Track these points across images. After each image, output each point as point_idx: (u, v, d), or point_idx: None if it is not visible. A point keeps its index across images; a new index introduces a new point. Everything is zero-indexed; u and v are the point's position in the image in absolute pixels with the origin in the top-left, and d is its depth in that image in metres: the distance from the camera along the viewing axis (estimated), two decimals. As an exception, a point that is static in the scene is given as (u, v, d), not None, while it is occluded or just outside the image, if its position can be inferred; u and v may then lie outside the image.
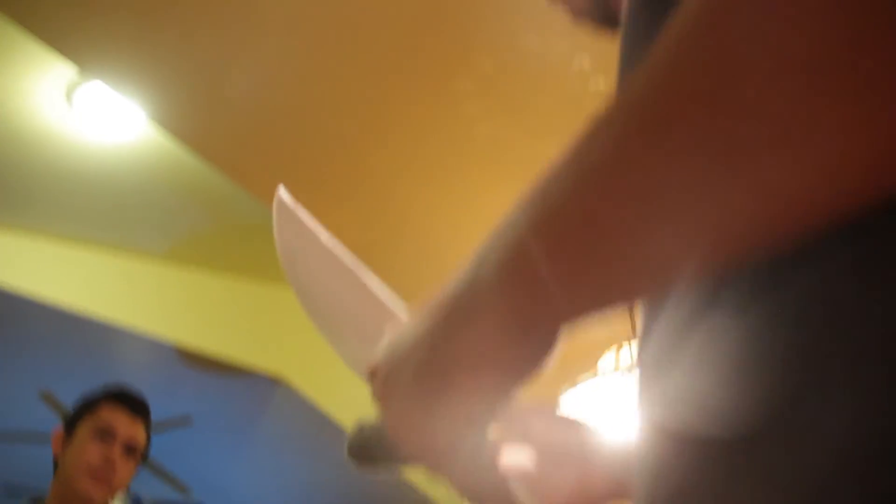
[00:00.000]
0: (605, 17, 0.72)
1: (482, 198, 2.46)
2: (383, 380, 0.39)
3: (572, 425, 0.53)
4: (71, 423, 1.49)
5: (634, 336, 0.76)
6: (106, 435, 1.44)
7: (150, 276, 3.52)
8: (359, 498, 4.34)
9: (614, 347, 1.89)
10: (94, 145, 2.70)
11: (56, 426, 1.55)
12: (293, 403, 3.75)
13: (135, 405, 1.51)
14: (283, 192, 0.60)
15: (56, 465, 1.46)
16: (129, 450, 1.46)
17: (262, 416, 4.00)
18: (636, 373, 0.37)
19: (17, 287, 3.16)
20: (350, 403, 3.30)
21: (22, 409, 3.81)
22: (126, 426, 1.47)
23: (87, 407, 1.49)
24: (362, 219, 2.55)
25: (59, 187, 2.94)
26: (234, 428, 4.12)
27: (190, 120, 2.14)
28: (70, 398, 3.09)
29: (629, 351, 1.80)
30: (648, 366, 0.35)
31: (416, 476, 3.97)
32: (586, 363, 1.78)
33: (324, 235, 0.55)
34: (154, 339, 3.45)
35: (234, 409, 3.96)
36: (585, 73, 1.81)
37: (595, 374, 1.81)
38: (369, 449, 0.47)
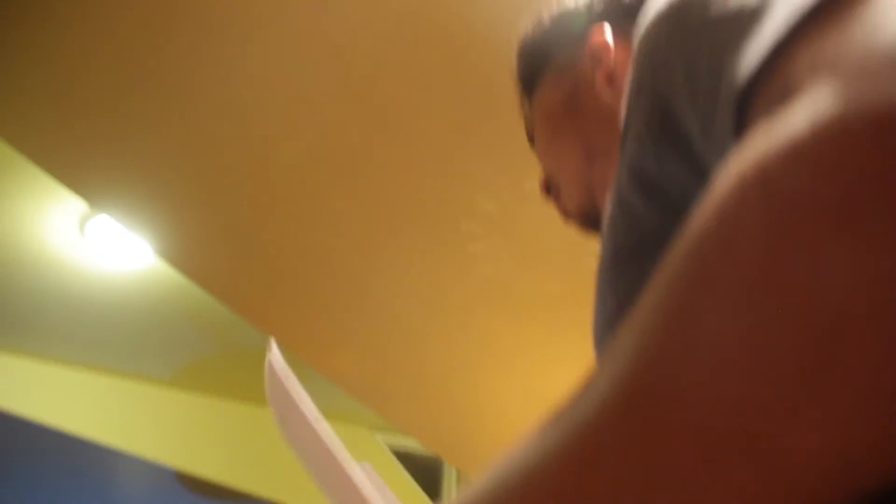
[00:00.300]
0: (591, 222, 0.78)
1: (488, 335, 2.46)
2: None
3: None
4: None
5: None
6: None
7: (153, 401, 3.51)
8: None
9: None
10: (104, 274, 2.74)
11: None
12: None
13: None
14: (274, 353, 0.61)
15: None
16: None
17: None
18: None
19: (22, 411, 3.17)
20: None
21: None
22: None
23: None
24: (367, 354, 2.54)
25: (67, 314, 2.97)
26: None
27: (194, 254, 2.16)
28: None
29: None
30: None
31: None
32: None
33: (308, 407, 0.57)
34: (155, 463, 3.41)
35: None
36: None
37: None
38: None
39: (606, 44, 0.75)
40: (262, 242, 2.12)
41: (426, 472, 4.07)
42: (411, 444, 4.04)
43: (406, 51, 1.63)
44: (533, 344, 2.43)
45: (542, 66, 0.84)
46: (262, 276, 2.23)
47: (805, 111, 0.25)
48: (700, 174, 0.40)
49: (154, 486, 3.58)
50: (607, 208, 0.52)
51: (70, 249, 2.63)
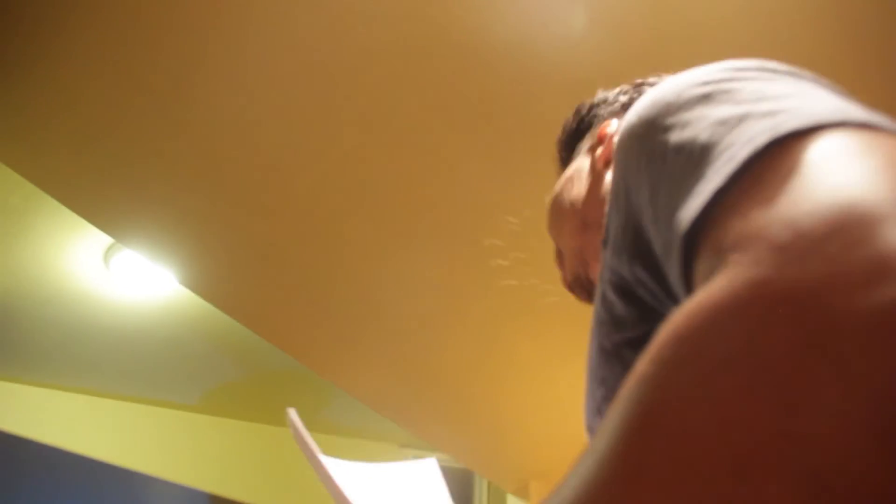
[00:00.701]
0: (583, 290, 0.86)
1: (512, 349, 2.45)
2: None
3: None
4: None
5: None
6: None
7: (182, 426, 3.54)
8: None
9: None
10: (129, 304, 2.76)
11: None
12: None
13: None
14: (293, 416, 0.86)
15: None
16: None
17: None
18: None
19: (56, 441, 3.21)
20: None
21: None
22: None
23: None
24: (393, 372, 2.54)
25: (94, 346, 3.00)
26: None
27: (217, 281, 2.18)
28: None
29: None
30: None
31: None
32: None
33: (322, 458, 0.79)
34: (188, 487, 3.47)
35: None
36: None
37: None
38: None
39: (609, 135, 0.83)
40: (284, 266, 2.13)
41: (458, 485, 4.08)
42: (441, 458, 4.04)
43: (424, 68, 1.64)
44: (556, 357, 2.42)
45: (570, 154, 0.93)
46: (285, 300, 2.24)
47: (715, 285, 0.30)
48: (667, 288, 0.43)
49: (185, 499, 3.61)
50: (595, 303, 0.54)
51: (95, 282, 2.66)
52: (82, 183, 1.87)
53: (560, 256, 0.91)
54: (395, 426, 2.90)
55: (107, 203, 1.93)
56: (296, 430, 0.82)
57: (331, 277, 2.17)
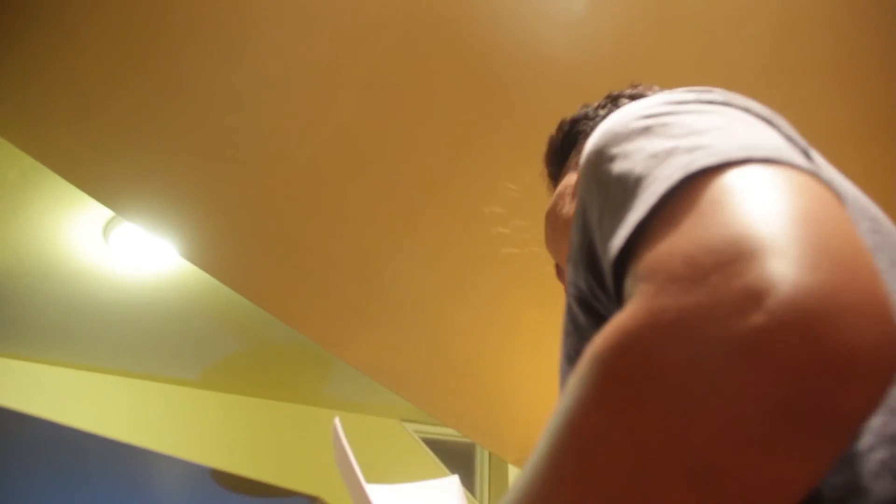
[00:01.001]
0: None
1: (514, 318, 2.45)
2: None
3: None
4: None
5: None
6: None
7: (185, 401, 3.54)
8: None
9: None
10: (130, 278, 2.76)
11: None
12: None
13: None
14: (338, 426, 0.91)
15: None
16: None
17: None
18: None
19: (57, 417, 3.21)
20: None
21: None
22: None
23: None
24: (395, 343, 2.55)
25: (95, 321, 2.99)
26: None
27: (217, 253, 2.17)
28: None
29: None
30: None
31: None
32: None
33: (355, 466, 0.84)
34: (190, 463, 3.45)
35: None
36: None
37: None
38: None
39: None
40: (285, 238, 2.12)
41: (459, 459, 4.09)
42: (442, 432, 4.06)
43: (423, 38, 1.63)
44: (558, 325, 2.42)
45: (558, 169, 0.98)
46: (286, 272, 2.24)
47: (624, 312, 0.35)
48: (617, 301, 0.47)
49: (190, 484, 3.62)
50: (564, 316, 0.59)
51: (95, 257, 2.65)
52: (81, 156, 1.86)
53: (559, 271, 0.94)
54: (397, 400, 2.91)
55: (106, 176, 1.92)
56: (338, 440, 0.84)
57: (333, 248, 2.17)
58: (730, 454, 0.29)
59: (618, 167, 0.46)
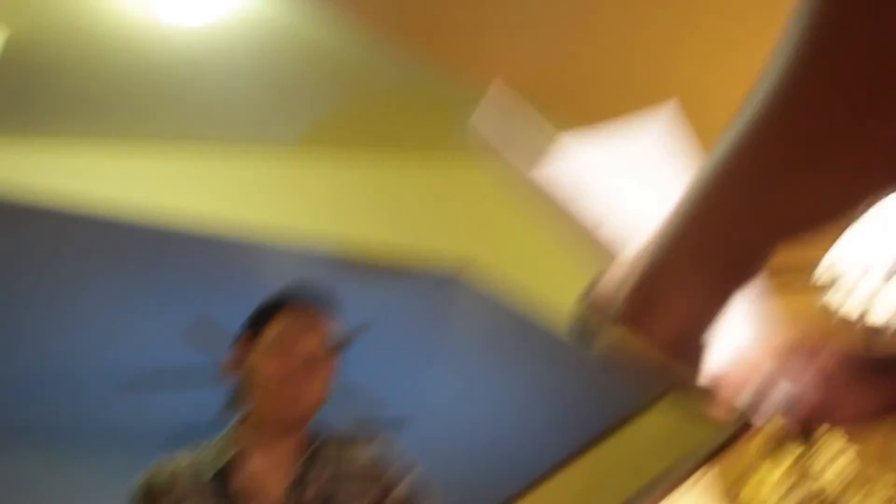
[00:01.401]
0: None
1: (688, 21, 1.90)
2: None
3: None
4: (245, 341, 1.33)
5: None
6: (288, 344, 1.28)
7: (283, 168, 2.97)
8: (562, 395, 3.85)
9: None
10: (194, 29, 2.19)
11: (227, 352, 1.36)
12: (478, 295, 3.27)
13: (314, 304, 1.34)
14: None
15: (236, 394, 1.32)
16: (318, 355, 1.30)
17: (444, 314, 3.53)
18: None
19: (145, 209, 2.73)
20: (545, 287, 2.76)
21: (173, 349, 3.58)
22: (309, 330, 1.31)
23: (259, 320, 1.33)
24: (543, 51, 2.03)
25: (165, 84, 2.45)
26: (416, 331, 3.69)
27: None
28: (229, 325, 2.69)
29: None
30: None
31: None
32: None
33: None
34: (309, 245, 3.03)
35: (413, 309, 3.52)
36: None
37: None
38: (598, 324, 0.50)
39: None
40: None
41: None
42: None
43: None
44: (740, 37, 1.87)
45: None
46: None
47: None
48: None
49: (313, 271, 3.11)
50: None
51: (151, 6, 2.09)
52: None
53: None
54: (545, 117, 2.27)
55: None
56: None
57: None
58: None
59: None
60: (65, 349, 3.63)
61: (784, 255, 0.42)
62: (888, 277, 1.57)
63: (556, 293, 3.17)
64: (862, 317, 1.53)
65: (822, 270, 1.70)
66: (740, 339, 0.53)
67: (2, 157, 2.59)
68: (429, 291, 3.32)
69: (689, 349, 0.48)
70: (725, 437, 1.97)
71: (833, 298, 1.61)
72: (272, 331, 1.30)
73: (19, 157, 2.62)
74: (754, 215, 0.40)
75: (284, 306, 1.34)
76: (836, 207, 0.39)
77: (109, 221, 2.69)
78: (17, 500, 4.31)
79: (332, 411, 1.32)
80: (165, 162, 2.79)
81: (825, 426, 0.54)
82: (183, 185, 2.82)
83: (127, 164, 2.75)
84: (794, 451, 1.77)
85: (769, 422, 0.51)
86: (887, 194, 0.37)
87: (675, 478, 1.87)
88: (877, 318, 1.52)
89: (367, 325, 3.18)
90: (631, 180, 0.64)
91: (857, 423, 0.54)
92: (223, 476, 1.21)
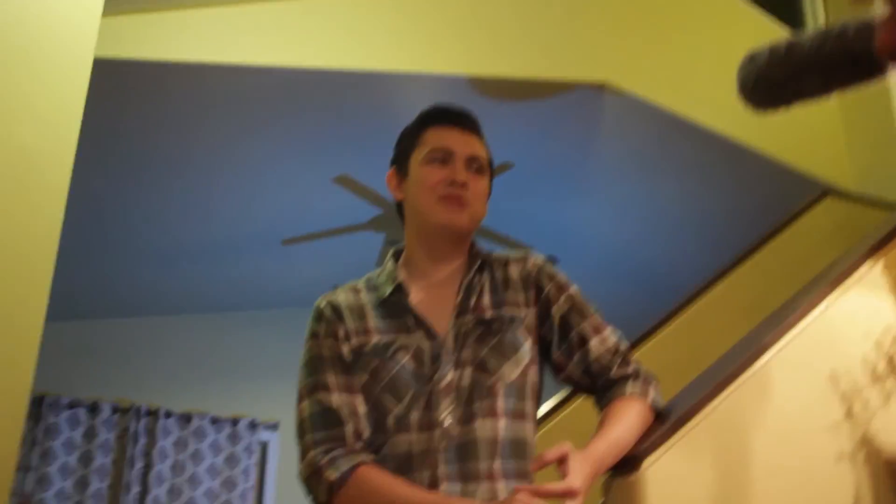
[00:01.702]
0: None
1: None
2: None
3: None
4: (401, 161, 1.35)
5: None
6: (443, 156, 1.29)
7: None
8: (714, 209, 3.59)
9: None
10: None
11: (389, 170, 1.39)
12: (627, 108, 3.05)
13: (462, 121, 1.33)
14: None
15: (400, 210, 1.36)
16: (474, 166, 1.30)
17: (589, 136, 3.29)
18: None
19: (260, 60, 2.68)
20: (689, 102, 2.50)
21: (318, 199, 3.57)
22: (461, 143, 1.30)
23: (412, 140, 1.34)
24: None
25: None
26: (560, 160, 3.49)
27: None
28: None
29: None
30: None
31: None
32: None
33: None
34: (440, 76, 2.90)
35: (556, 133, 3.29)
36: None
37: None
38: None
39: None
40: None
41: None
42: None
43: None
44: None
45: None
46: None
47: None
48: None
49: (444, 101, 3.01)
50: None
51: None
52: None
53: None
54: None
55: None
56: None
57: None
58: None
59: None
60: (217, 215, 3.71)
61: None
62: None
63: (699, 108, 3.03)
64: None
65: None
66: None
67: (138, 21, 2.57)
68: (572, 112, 3.12)
69: None
70: (889, 229, 1.77)
71: None
72: (428, 144, 1.30)
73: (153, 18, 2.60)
74: None
75: (432, 123, 1.33)
76: None
77: (245, 70, 2.68)
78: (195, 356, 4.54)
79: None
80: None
81: None
82: (311, 24, 2.75)
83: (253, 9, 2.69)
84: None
85: None
86: None
87: (841, 272, 1.69)
88: None
89: (507, 165, 3.09)
90: None
91: None
92: (400, 291, 1.25)
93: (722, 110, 2.96)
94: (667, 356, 2.51)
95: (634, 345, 2.50)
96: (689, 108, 3.02)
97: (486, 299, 1.26)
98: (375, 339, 1.20)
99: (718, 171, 3.34)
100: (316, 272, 4.03)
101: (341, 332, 1.22)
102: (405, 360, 1.18)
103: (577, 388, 1.30)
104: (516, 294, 1.27)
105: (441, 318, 1.23)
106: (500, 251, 1.36)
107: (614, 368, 1.24)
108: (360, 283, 1.30)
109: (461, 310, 1.24)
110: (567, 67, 3.00)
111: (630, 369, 1.24)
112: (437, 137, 1.30)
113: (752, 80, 1.19)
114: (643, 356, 2.11)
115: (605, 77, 2.96)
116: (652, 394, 1.23)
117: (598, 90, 2.99)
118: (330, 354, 1.21)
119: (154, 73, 2.65)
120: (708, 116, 3.02)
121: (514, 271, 1.29)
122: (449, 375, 1.17)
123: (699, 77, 3.11)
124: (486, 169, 1.32)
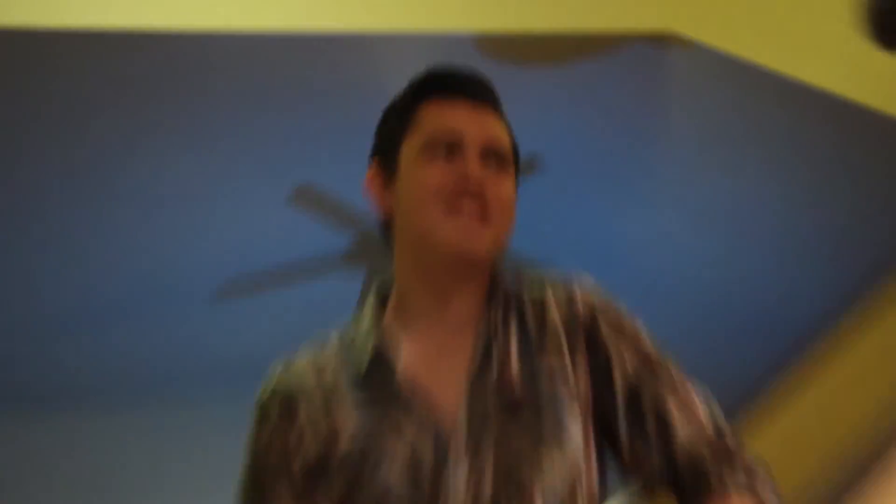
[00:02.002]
0: None
1: None
2: None
3: None
4: (385, 152, 1.03)
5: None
6: (448, 144, 0.98)
7: None
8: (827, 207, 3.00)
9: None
10: None
11: (367, 170, 1.05)
12: (698, 60, 2.60)
13: (473, 89, 1.02)
14: None
15: (386, 227, 1.05)
16: (493, 159, 0.98)
17: (654, 108, 2.77)
18: None
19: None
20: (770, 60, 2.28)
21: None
22: (473, 123, 0.98)
23: (401, 120, 1.02)
24: None
25: None
26: (612, 151, 2.93)
27: None
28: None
29: None
30: None
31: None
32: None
33: None
34: (443, 35, 2.53)
35: (605, 115, 2.77)
36: None
37: None
38: None
39: None
40: None
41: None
42: None
43: None
44: None
45: None
46: None
47: None
48: None
49: (448, 60, 2.51)
50: None
51: None
52: None
53: None
54: None
55: None
56: None
57: None
58: None
59: None
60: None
61: None
62: None
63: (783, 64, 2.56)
64: None
65: None
66: None
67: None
68: (623, 77, 2.58)
69: None
70: None
71: None
72: (421, 129, 1.00)
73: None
74: None
75: (429, 94, 1.01)
76: None
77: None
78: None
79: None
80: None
81: None
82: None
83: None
84: None
85: None
86: None
87: None
88: None
89: (538, 156, 2.63)
90: None
91: None
92: (383, 362, 0.98)
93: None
94: (783, 430, 2.09)
95: (733, 413, 1.98)
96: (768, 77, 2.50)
97: (515, 363, 0.99)
98: (347, 444, 0.94)
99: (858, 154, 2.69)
100: (261, 336, 3.26)
101: (293, 440, 0.96)
102: (395, 468, 0.93)
103: (654, 486, 1.03)
104: (559, 350, 0.99)
105: (447, 392, 0.97)
106: (530, 272, 1.11)
107: (710, 461, 0.96)
108: (331, 344, 1.04)
109: (477, 381, 0.97)
110: (614, 15, 2.53)
111: (736, 462, 0.95)
112: (438, 116, 1.03)
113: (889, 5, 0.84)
114: (750, 434, 1.74)
115: (668, 25, 2.46)
116: (768, 498, 0.93)
117: (659, 44, 2.49)
118: (277, 472, 0.98)
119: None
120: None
121: (556, 314, 1.03)
122: (462, 486, 0.93)
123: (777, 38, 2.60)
124: (511, 162, 1.05)
